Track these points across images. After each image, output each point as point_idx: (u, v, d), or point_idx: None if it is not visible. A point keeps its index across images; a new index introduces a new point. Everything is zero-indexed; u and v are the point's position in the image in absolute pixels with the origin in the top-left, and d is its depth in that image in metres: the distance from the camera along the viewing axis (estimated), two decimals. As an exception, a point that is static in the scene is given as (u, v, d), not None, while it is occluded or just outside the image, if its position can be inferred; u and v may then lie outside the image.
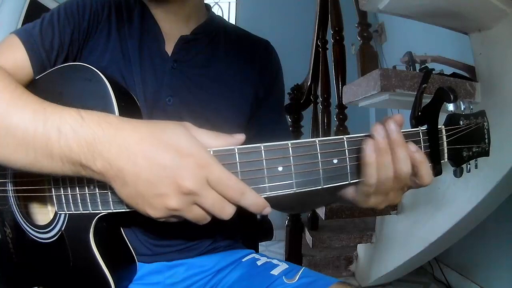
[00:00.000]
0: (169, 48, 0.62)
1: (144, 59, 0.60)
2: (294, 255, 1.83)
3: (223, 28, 0.70)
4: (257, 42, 0.73)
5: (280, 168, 0.39)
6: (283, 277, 0.56)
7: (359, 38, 1.57)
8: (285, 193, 0.40)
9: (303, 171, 0.40)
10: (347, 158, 0.41)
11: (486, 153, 0.48)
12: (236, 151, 0.38)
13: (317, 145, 0.40)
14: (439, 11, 1.08)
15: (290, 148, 0.39)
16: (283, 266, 0.60)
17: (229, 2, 3.29)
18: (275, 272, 0.58)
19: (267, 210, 0.39)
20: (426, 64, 1.33)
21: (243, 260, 0.64)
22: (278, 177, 0.39)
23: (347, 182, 0.41)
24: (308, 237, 1.78)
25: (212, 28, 0.68)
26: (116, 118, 0.39)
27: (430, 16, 1.16)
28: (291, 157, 0.39)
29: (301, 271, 0.57)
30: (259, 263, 0.63)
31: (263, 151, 0.39)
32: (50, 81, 0.52)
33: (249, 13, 3.08)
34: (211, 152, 0.38)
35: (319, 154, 0.40)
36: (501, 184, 1.08)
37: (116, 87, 0.48)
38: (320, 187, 0.40)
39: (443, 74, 1.21)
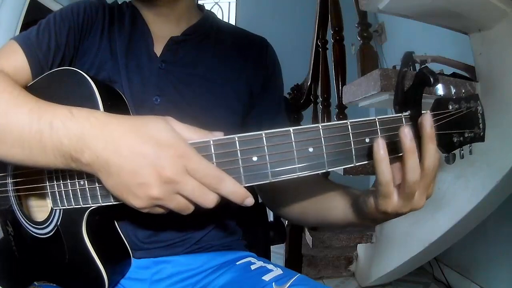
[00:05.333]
0: (158, 49, 0.63)
1: (130, 60, 0.61)
2: (294, 255, 1.83)
3: (216, 27, 0.70)
4: (252, 39, 0.73)
5: (254, 158, 0.39)
6: (273, 283, 0.55)
7: (359, 38, 1.57)
8: (261, 183, 0.40)
9: (278, 161, 0.40)
10: (323, 146, 0.40)
11: (480, 138, 0.45)
12: (211, 142, 0.39)
13: (292, 134, 0.40)
14: (439, 11, 1.08)
15: (264, 138, 0.39)
16: (277, 271, 0.58)
17: (229, 2, 3.29)
18: (267, 277, 0.56)
19: (249, 200, 0.39)
20: (426, 64, 1.33)
21: (237, 263, 0.63)
22: (253, 167, 0.39)
23: (324, 170, 0.41)
24: (308, 237, 1.78)
25: (204, 28, 0.68)
26: (104, 114, 0.42)
27: (430, 16, 1.16)
28: (265, 147, 0.39)
29: (293, 279, 0.55)
30: (253, 267, 0.61)
31: (237, 142, 0.39)
32: (41, 86, 0.54)
33: (249, 13, 3.08)
34: None
35: (293, 143, 0.39)
36: (501, 184, 1.08)
37: (104, 88, 0.49)
38: (296, 176, 0.40)
39: (443, 74, 1.21)
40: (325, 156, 0.40)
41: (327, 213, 0.58)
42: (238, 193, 0.39)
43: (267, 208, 0.85)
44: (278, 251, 2.39)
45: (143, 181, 0.38)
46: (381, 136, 0.41)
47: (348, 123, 0.41)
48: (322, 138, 0.40)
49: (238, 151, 0.39)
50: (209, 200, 0.39)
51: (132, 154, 0.38)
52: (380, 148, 0.39)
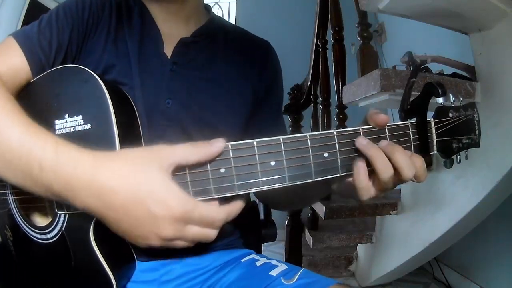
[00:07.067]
0: (168, 50, 0.62)
1: (142, 62, 0.59)
2: (294, 255, 1.82)
3: (222, 29, 0.70)
4: (257, 42, 0.73)
5: (272, 163, 0.40)
6: (282, 278, 0.56)
7: (359, 38, 1.57)
8: (278, 187, 0.41)
9: (295, 165, 0.41)
10: (338, 152, 0.42)
11: (476, 144, 0.48)
12: (230, 147, 0.40)
13: (308, 139, 0.41)
14: (439, 11, 1.08)
15: (282, 143, 0.40)
16: (282, 267, 0.60)
17: (229, 2, 3.29)
18: (274, 272, 0.58)
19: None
20: (426, 64, 1.33)
21: (242, 260, 0.64)
22: (271, 172, 0.41)
23: (338, 175, 0.43)
24: (308, 237, 1.77)
25: (212, 30, 0.68)
26: (90, 160, 0.39)
27: (430, 16, 1.16)
28: (283, 152, 0.40)
29: (300, 272, 0.57)
30: (258, 263, 0.62)
31: (255, 147, 0.40)
32: (47, 83, 0.52)
33: (249, 13, 3.07)
34: None
35: (310, 148, 0.41)
36: (501, 184, 1.08)
37: (112, 88, 0.48)
38: (311, 180, 0.42)
39: (443, 74, 1.21)
40: (339, 161, 0.42)
41: (309, 198, 0.61)
42: (238, 210, 0.41)
43: (259, 208, 0.87)
44: (278, 251, 2.39)
45: (143, 235, 0.38)
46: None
47: (360, 129, 0.43)
48: (337, 144, 0.42)
49: (257, 155, 0.40)
50: (211, 238, 0.40)
51: (127, 215, 0.38)
52: (360, 168, 0.42)
